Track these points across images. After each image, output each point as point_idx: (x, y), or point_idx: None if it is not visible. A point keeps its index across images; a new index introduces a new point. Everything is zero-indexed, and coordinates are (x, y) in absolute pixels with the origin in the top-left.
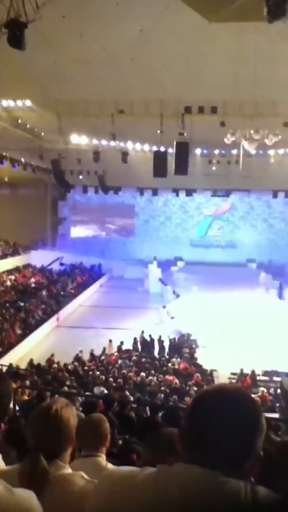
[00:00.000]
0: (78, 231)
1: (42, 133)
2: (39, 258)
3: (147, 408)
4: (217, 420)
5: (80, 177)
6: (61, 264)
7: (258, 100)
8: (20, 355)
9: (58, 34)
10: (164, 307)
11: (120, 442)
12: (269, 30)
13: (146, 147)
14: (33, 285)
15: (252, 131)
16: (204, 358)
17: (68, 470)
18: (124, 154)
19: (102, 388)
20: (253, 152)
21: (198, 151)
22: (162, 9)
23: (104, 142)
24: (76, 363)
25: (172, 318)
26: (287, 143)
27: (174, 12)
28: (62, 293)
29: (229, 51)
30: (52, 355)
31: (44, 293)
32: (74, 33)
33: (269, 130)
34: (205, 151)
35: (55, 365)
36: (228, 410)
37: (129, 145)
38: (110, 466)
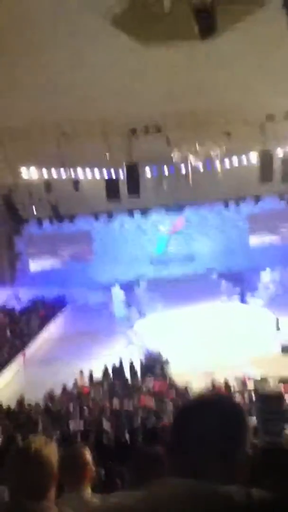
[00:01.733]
0: (36, 265)
1: None
2: None
3: (126, 432)
4: (201, 429)
5: (33, 209)
6: (17, 299)
7: (197, 112)
8: None
9: None
10: (131, 328)
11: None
12: (201, 42)
13: (97, 171)
14: None
15: (197, 145)
16: (177, 374)
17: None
18: (75, 183)
19: (78, 422)
20: (200, 165)
21: (147, 170)
22: (96, 31)
23: (54, 171)
24: (47, 401)
25: (141, 338)
26: (231, 152)
27: (108, 34)
28: (26, 330)
29: (163, 64)
30: (22, 396)
31: (7, 332)
32: (7, 60)
33: (212, 142)
34: (154, 169)
35: (26, 406)
36: (211, 417)
37: (79, 171)
38: (95, 500)
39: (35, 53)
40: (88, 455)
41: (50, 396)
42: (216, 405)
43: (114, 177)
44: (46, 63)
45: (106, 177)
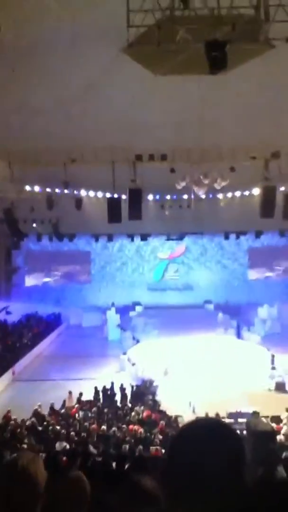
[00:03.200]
0: (32, 280)
1: None
2: None
3: (112, 460)
4: (200, 456)
5: (34, 225)
6: (7, 313)
7: (204, 146)
8: None
9: (8, 86)
10: (124, 353)
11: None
12: (211, 78)
13: (100, 193)
14: None
15: (201, 176)
16: (168, 404)
17: None
18: (78, 201)
19: (64, 443)
20: (203, 196)
21: (150, 196)
22: (110, 61)
23: (57, 190)
24: (33, 419)
25: (133, 364)
26: (234, 185)
27: (121, 64)
28: (17, 345)
29: (174, 99)
30: (9, 411)
31: None
32: (23, 85)
33: (217, 174)
34: (157, 197)
35: (12, 422)
36: (209, 442)
37: (83, 192)
38: None
39: (50, 80)
40: (88, 487)
41: (37, 414)
42: (210, 432)
43: (117, 200)
44: (61, 90)
45: (109, 200)
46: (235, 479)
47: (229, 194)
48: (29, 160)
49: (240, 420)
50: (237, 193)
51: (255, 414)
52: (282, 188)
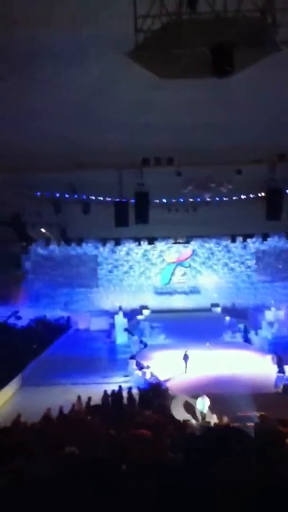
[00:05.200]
0: (41, 284)
1: None
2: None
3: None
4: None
5: (42, 230)
6: (17, 318)
7: (209, 148)
8: None
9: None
10: (132, 357)
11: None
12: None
13: (107, 198)
14: None
15: (207, 179)
16: (176, 408)
17: None
18: (85, 206)
19: (73, 448)
20: (209, 199)
21: (157, 200)
22: (116, 66)
23: (65, 195)
24: (43, 423)
25: (141, 368)
26: (241, 188)
27: (127, 68)
28: (26, 349)
29: (180, 102)
30: (19, 415)
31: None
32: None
33: (223, 177)
34: (164, 200)
35: (22, 426)
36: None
37: (90, 196)
38: None
39: (56, 82)
40: None
41: (46, 419)
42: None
43: (124, 204)
44: (66, 95)
45: (116, 204)
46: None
47: (235, 197)
48: (37, 165)
49: (248, 423)
50: (243, 196)
51: (262, 417)
52: None
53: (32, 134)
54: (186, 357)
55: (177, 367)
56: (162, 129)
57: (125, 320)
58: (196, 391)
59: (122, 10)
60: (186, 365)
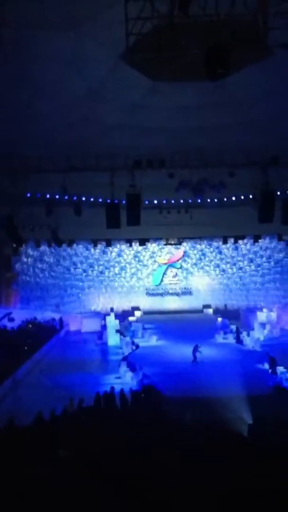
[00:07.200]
0: (32, 286)
1: None
2: None
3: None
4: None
5: (33, 231)
6: (10, 319)
7: (202, 150)
8: None
9: (7, 93)
10: (124, 359)
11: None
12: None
13: (99, 199)
14: None
15: (199, 181)
16: (169, 409)
17: None
18: (77, 207)
19: (66, 451)
20: (201, 201)
21: (149, 201)
22: (109, 69)
23: (56, 196)
24: (36, 425)
25: (133, 369)
26: (233, 190)
27: (120, 71)
28: (18, 351)
29: (173, 104)
30: (12, 417)
31: None
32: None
33: (215, 179)
34: (155, 202)
35: (14, 428)
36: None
37: (82, 198)
38: None
39: (49, 84)
40: None
41: (39, 420)
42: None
43: (115, 206)
44: (60, 97)
45: (107, 206)
46: None
47: (228, 199)
48: (28, 166)
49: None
50: (236, 198)
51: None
52: (281, 193)
53: (24, 136)
54: (196, 349)
55: (168, 368)
56: (155, 131)
57: (117, 322)
58: (188, 393)
59: (119, 14)
60: (195, 355)
